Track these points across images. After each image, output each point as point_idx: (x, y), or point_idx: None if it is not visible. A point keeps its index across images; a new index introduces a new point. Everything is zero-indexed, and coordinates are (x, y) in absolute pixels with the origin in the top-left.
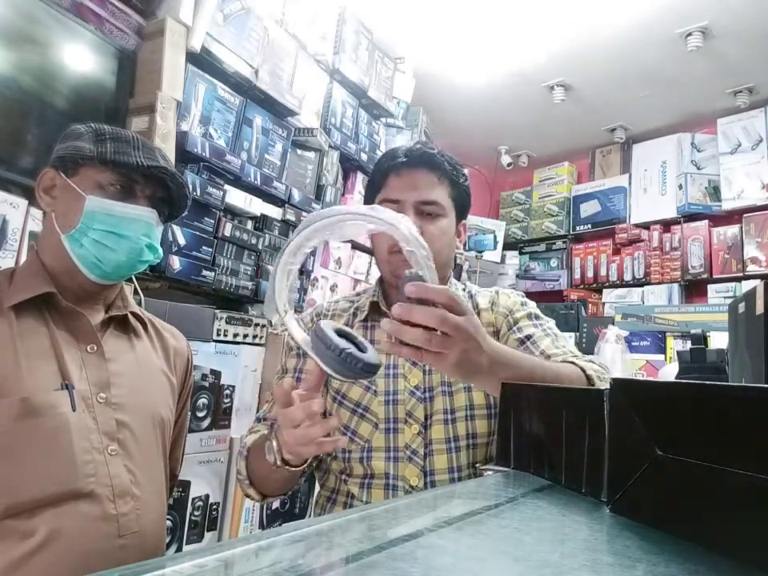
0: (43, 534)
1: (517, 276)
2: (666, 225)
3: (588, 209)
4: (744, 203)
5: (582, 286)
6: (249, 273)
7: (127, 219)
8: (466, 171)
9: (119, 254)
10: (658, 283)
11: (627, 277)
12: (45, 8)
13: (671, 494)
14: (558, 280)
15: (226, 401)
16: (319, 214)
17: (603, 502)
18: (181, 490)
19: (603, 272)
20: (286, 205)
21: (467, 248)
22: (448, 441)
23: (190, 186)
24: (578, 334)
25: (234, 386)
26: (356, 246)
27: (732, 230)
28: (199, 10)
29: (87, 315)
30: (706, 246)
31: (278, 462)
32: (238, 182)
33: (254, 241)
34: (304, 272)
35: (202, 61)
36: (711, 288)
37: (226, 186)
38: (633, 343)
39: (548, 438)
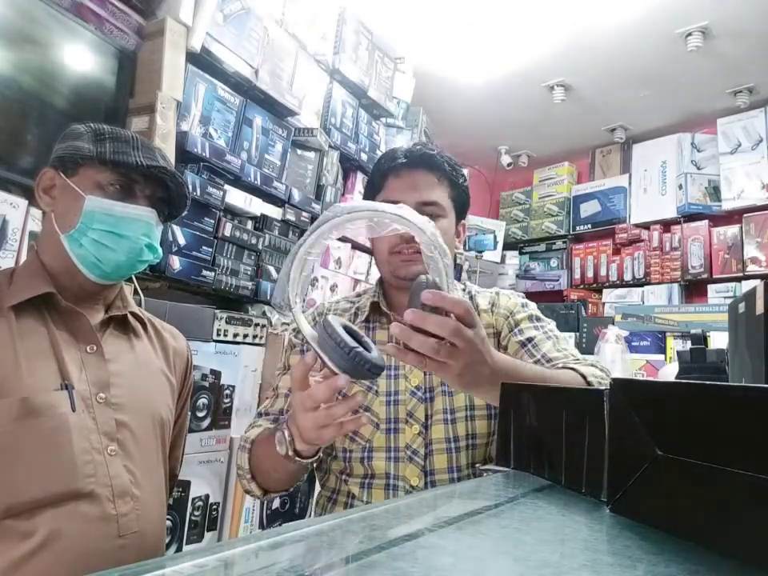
0: (43, 535)
1: (517, 276)
2: (666, 225)
3: (588, 209)
4: (744, 203)
5: (582, 286)
6: (249, 273)
7: (127, 219)
8: (465, 171)
9: (119, 254)
10: (658, 283)
11: (627, 277)
12: (45, 8)
13: (671, 494)
14: (558, 280)
15: (226, 401)
16: (350, 207)
17: (603, 501)
18: (181, 490)
19: (603, 272)
20: (286, 205)
21: (467, 248)
22: (448, 441)
23: (190, 186)
24: (577, 334)
25: (233, 386)
26: (356, 246)
27: (732, 230)
28: (199, 10)
29: (87, 315)
30: (705, 246)
31: (290, 453)
32: (238, 182)
33: (253, 241)
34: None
35: (201, 61)
36: (711, 288)
37: (226, 186)
38: (633, 343)
39: (548, 438)
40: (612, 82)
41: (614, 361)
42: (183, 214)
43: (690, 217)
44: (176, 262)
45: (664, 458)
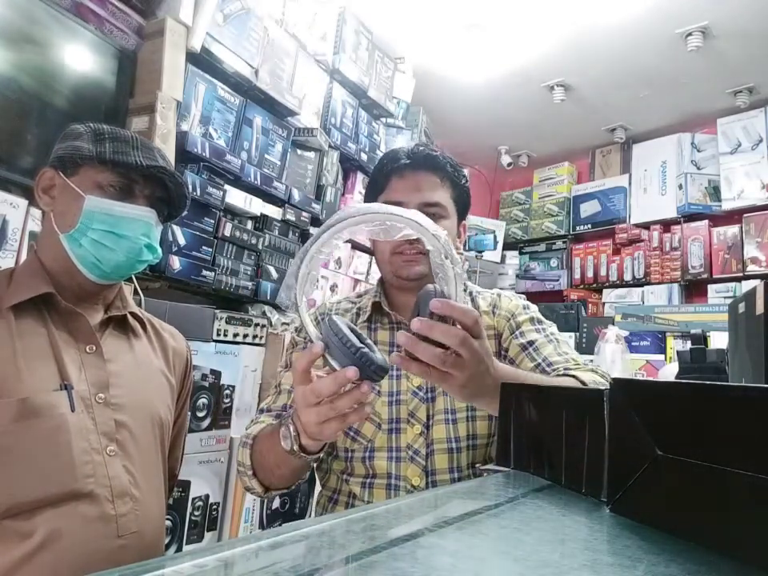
0: (42, 535)
1: (517, 276)
2: (666, 225)
3: (588, 209)
4: (744, 203)
5: (582, 286)
6: (249, 273)
7: (126, 219)
8: (465, 172)
9: (118, 254)
10: (658, 283)
11: (627, 277)
12: (45, 8)
13: (671, 494)
14: (558, 280)
15: (226, 401)
16: (365, 208)
17: (603, 501)
18: (181, 490)
19: (603, 272)
20: (286, 205)
21: (467, 248)
22: (449, 441)
23: (190, 186)
24: (577, 333)
25: (233, 386)
26: (356, 246)
27: (732, 230)
28: (199, 10)
29: (86, 315)
30: (705, 246)
31: (295, 448)
32: (238, 182)
33: (253, 241)
34: None
35: (201, 61)
36: (711, 288)
37: (226, 186)
38: (633, 343)
39: (548, 438)
40: (612, 81)
41: (613, 361)
42: (183, 214)
43: (690, 217)
44: (176, 262)
45: (664, 458)
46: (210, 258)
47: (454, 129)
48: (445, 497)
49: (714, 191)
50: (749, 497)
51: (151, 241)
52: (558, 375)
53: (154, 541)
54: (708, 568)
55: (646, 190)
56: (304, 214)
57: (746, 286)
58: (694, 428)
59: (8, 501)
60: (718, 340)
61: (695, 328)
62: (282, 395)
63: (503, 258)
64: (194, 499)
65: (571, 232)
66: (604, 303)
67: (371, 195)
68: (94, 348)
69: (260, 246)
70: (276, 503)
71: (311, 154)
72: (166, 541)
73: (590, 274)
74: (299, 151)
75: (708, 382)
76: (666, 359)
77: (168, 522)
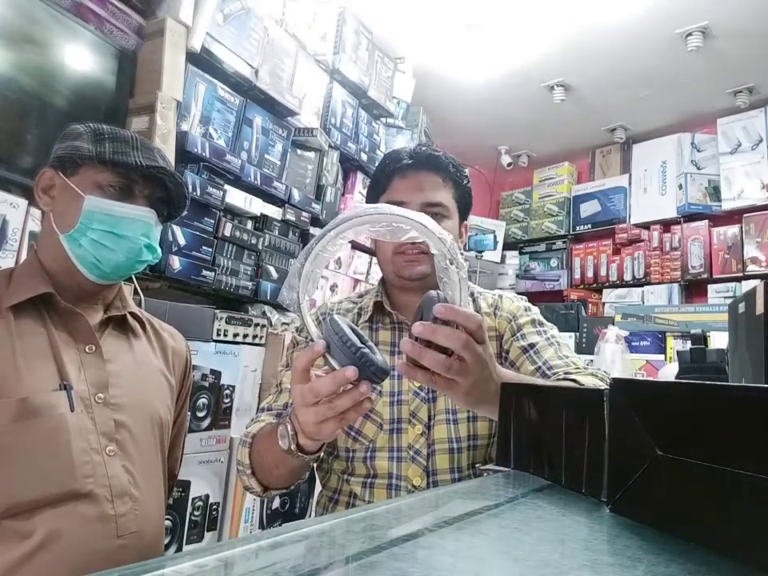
0: (42, 535)
1: (517, 276)
2: (666, 225)
3: (588, 209)
4: (744, 203)
5: (581, 286)
6: (249, 273)
7: (126, 219)
8: (467, 172)
9: (118, 254)
10: (658, 283)
11: (627, 277)
12: (45, 8)
13: (671, 494)
14: (557, 280)
15: (226, 401)
16: (373, 208)
17: (603, 501)
18: (181, 490)
19: (603, 272)
20: (286, 205)
21: (467, 248)
22: (450, 441)
23: (190, 186)
24: (577, 333)
25: (233, 386)
26: (356, 246)
27: (732, 230)
28: (199, 10)
29: (86, 315)
30: (706, 246)
31: (293, 448)
32: (238, 182)
33: (253, 241)
34: None
35: (201, 61)
36: (711, 288)
37: (226, 186)
38: (633, 343)
39: (548, 438)
40: (612, 81)
41: (613, 361)
42: (183, 214)
43: (690, 217)
44: (176, 262)
45: (664, 458)
46: (210, 257)
47: (454, 129)
48: (445, 497)
49: (714, 191)
50: (749, 497)
51: (151, 241)
52: (559, 379)
53: (154, 541)
54: (708, 568)
55: (646, 190)
56: (304, 213)
57: (746, 285)
58: (694, 428)
59: (7, 501)
60: (718, 340)
61: (695, 328)
62: (283, 394)
63: (503, 257)
64: (193, 499)
65: (571, 232)
66: (604, 303)
67: (373, 195)
68: (94, 348)
69: (260, 246)
70: (276, 503)
71: (311, 154)
72: (166, 541)
73: (589, 273)
74: (299, 151)
75: (708, 382)
76: (666, 359)
77: (168, 522)
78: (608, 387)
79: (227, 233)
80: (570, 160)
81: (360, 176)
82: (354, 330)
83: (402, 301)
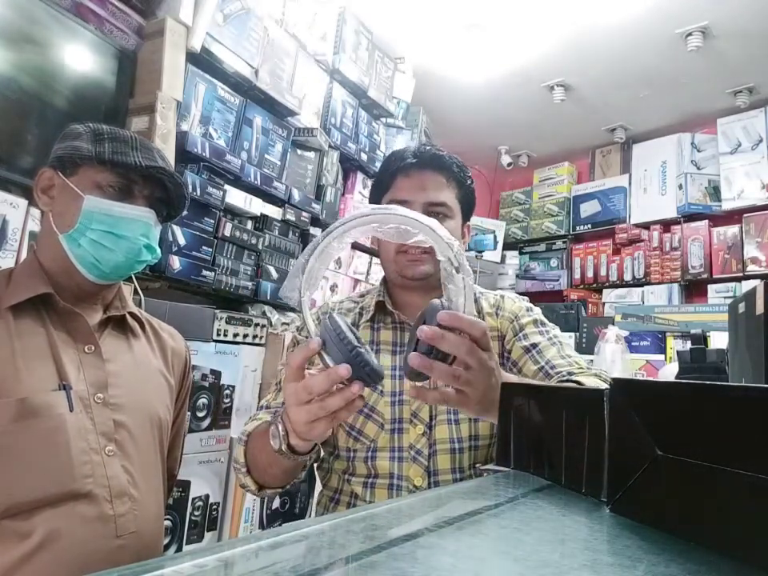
0: (41, 535)
1: (517, 276)
2: (666, 225)
3: (588, 209)
4: (744, 203)
5: (581, 286)
6: (249, 273)
7: (125, 219)
8: (470, 173)
9: (117, 255)
10: (658, 283)
11: (627, 277)
12: (45, 8)
13: (671, 494)
14: (557, 280)
15: (226, 401)
16: (383, 209)
17: (603, 501)
18: (181, 490)
19: (603, 272)
20: (286, 205)
21: (467, 248)
22: (452, 441)
23: (190, 186)
24: (577, 333)
25: (233, 386)
26: (356, 246)
27: (732, 230)
28: (199, 10)
29: (85, 315)
30: (706, 246)
31: (284, 448)
32: (238, 182)
33: (253, 241)
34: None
35: (201, 61)
36: (711, 288)
37: (226, 186)
38: (633, 343)
39: (548, 438)
40: (612, 81)
41: (613, 361)
42: (183, 214)
43: (690, 217)
44: (176, 262)
45: (664, 458)
46: (210, 257)
47: (454, 129)
48: (445, 497)
49: (714, 191)
50: (749, 497)
51: (150, 241)
52: (562, 380)
53: (153, 541)
54: (708, 568)
55: (646, 190)
56: (304, 214)
57: (746, 285)
58: (694, 428)
59: (7, 501)
60: (718, 340)
61: (695, 328)
62: (282, 392)
63: (503, 258)
64: (193, 499)
65: (571, 232)
66: (604, 303)
67: (376, 194)
68: (93, 348)
69: (260, 246)
70: (276, 503)
71: (311, 154)
72: (166, 541)
73: (589, 273)
74: (299, 151)
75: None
76: (666, 359)
77: (168, 522)
78: (608, 387)
79: (227, 233)
80: (569, 160)
81: (360, 176)
82: (353, 332)
83: (404, 300)
